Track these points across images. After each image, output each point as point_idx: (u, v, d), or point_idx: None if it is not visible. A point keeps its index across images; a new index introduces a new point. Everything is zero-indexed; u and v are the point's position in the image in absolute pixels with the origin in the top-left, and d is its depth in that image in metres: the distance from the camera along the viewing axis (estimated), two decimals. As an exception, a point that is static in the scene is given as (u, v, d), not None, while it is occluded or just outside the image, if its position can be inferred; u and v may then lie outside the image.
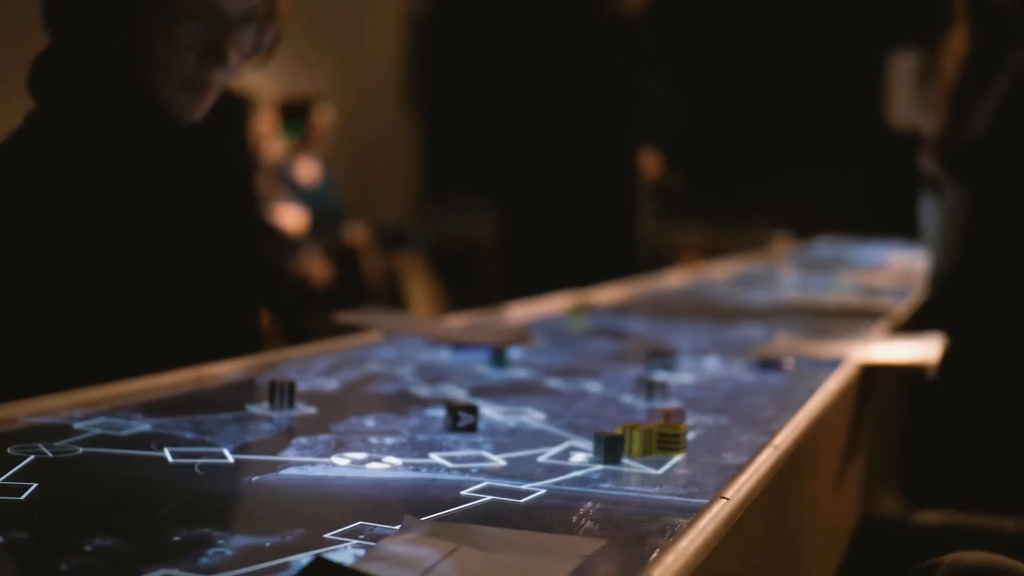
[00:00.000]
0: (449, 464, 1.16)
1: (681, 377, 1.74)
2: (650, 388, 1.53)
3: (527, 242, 5.17)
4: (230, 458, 1.14)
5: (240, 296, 1.76)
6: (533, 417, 1.40)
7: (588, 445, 1.26)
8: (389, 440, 1.25)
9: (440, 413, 1.38)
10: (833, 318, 2.67)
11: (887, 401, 2.44)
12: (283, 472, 1.10)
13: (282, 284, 5.16)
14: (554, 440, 1.28)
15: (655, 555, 0.90)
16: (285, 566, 0.84)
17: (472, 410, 1.31)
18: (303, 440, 1.22)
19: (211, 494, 1.04)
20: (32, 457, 1.09)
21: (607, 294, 2.95)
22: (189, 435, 1.22)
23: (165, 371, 1.49)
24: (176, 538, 0.89)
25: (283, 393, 1.36)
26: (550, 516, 1.01)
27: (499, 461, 1.18)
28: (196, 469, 1.10)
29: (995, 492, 2.67)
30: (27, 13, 1.65)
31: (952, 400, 2.58)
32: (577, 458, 1.21)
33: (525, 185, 5.48)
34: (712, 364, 1.89)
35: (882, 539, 1.80)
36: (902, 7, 6.62)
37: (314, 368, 1.65)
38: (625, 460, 1.20)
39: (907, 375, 2.23)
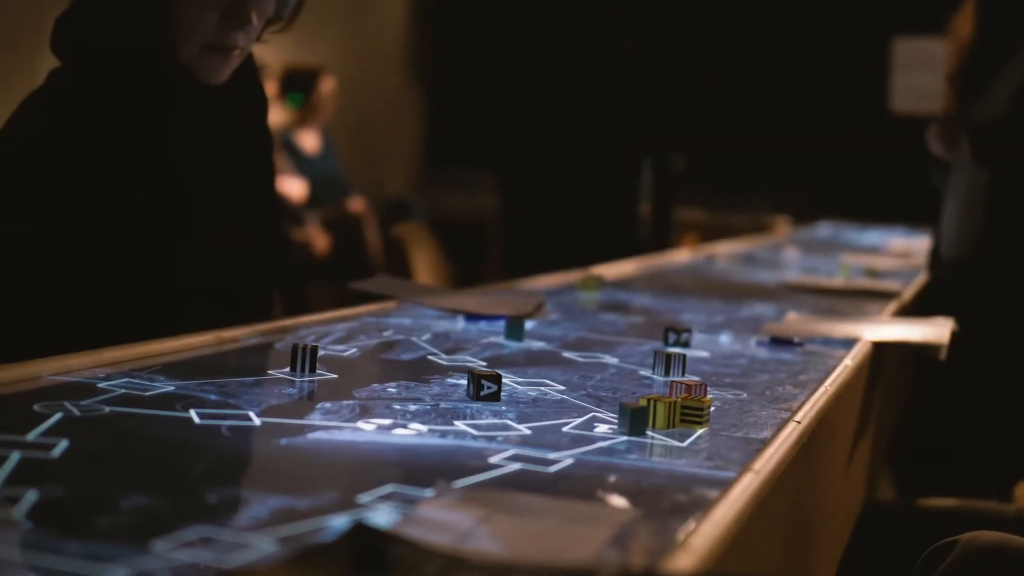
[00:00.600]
0: (475, 432, 1.16)
1: (697, 352, 1.74)
2: (668, 361, 1.53)
3: (529, 217, 5.15)
4: (256, 420, 1.14)
5: (256, 264, 1.76)
6: (553, 388, 1.40)
7: (610, 416, 1.26)
8: (413, 407, 1.24)
9: (461, 382, 1.38)
10: (841, 298, 2.67)
11: (893, 384, 2.45)
12: (310, 435, 1.10)
13: (287, 254, 5.15)
14: (577, 410, 1.28)
15: (690, 526, 0.90)
16: (320, 528, 0.84)
17: (496, 379, 1.31)
18: (327, 405, 1.22)
19: (240, 455, 1.04)
20: (60, 415, 1.09)
21: (613, 270, 2.95)
22: (214, 397, 1.22)
23: (183, 334, 1.49)
24: (210, 497, 0.89)
25: (305, 358, 1.36)
26: (579, 485, 1.01)
27: (524, 430, 1.18)
28: (223, 430, 1.10)
29: (995, 478, 2.68)
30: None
31: (959, 384, 2.58)
32: (601, 429, 1.21)
33: (528, 160, 5.45)
34: (726, 340, 1.90)
35: (885, 522, 1.81)
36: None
37: (331, 335, 1.65)
38: (648, 432, 1.20)
39: (918, 355, 2.23)
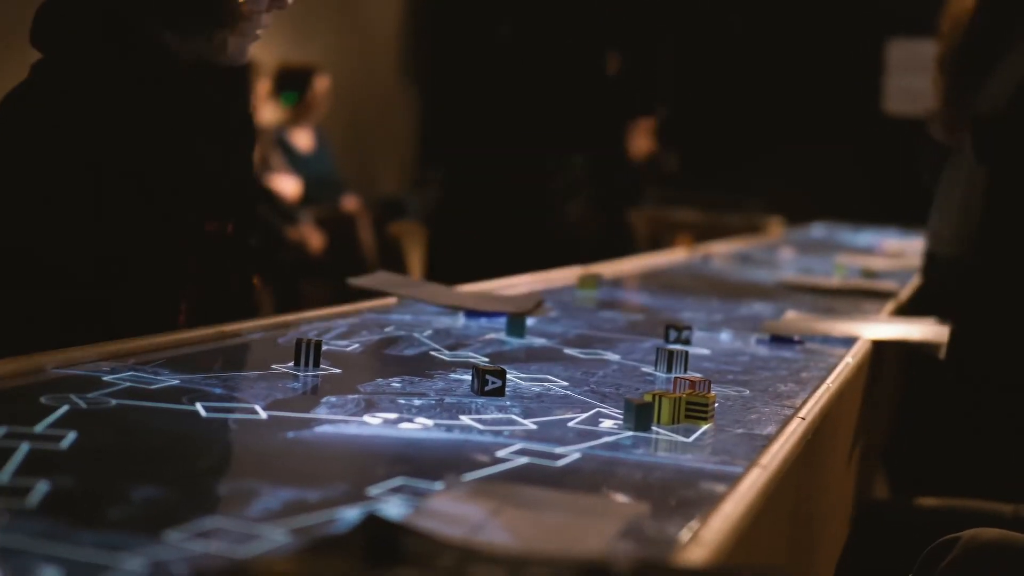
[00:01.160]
0: (480, 426, 1.16)
1: (698, 350, 1.74)
2: (671, 358, 1.53)
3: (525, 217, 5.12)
4: (263, 414, 1.14)
5: (234, 256, 1.74)
6: (557, 383, 1.40)
7: (615, 412, 1.26)
8: (418, 401, 1.25)
9: (465, 378, 1.38)
10: (838, 298, 2.67)
11: (889, 383, 2.45)
12: (317, 429, 1.10)
13: (280, 251, 5.15)
14: (581, 406, 1.29)
15: (699, 519, 0.90)
16: (332, 519, 0.84)
17: (500, 374, 1.31)
18: (332, 399, 1.22)
19: (249, 448, 1.04)
20: (66, 407, 1.09)
21: (609, 268, 2.95)
22: (219, 391, 1.22)
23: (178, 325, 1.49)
24: (221, 489, 0.89)
25: (309, 352, 1.36)
26: (587, 479, 1.01)
27: (529, 425, 1.18)
28: (230, 424, 1.10)
29: (991, 478, 2.68)
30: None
31: (956, 383, 2.58)
32: (606, 424, 1.21)
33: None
34: (726, 338, 1.90)
35: (882, 521, 1.81)
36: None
37: (333, 330, 1.65)
38: (653, 427, 1.20)
39: (917, 355, 2.24)
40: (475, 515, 0.86)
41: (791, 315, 2.22)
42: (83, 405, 1.10)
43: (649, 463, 1.07)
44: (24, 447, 0.94)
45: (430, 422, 1.16)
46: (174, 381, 1.24)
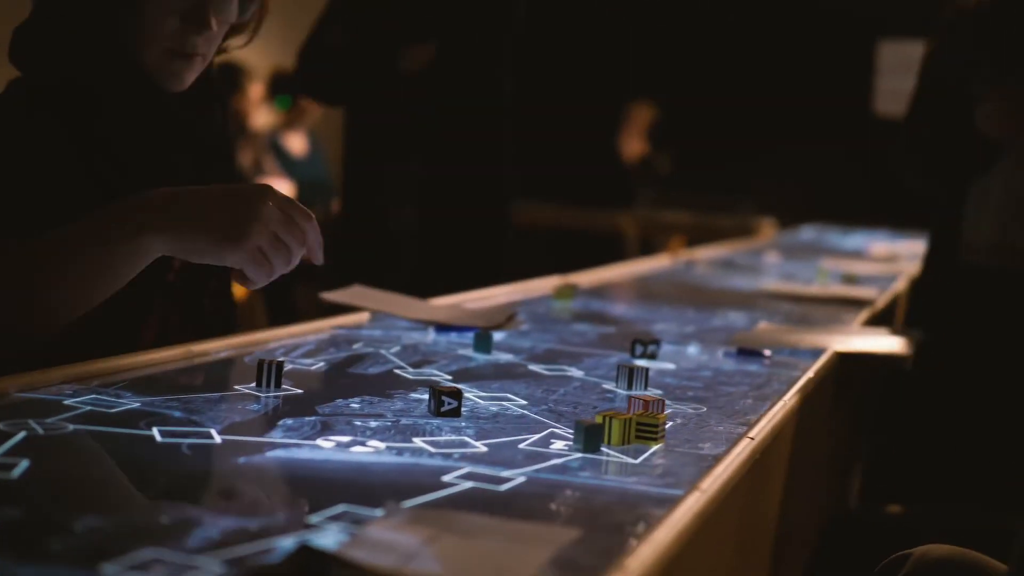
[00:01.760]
0: (431, 449, 1.18)
1: (662, 364, 1.77)
2: (631, 375, 1.55)
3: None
4: (217, 438, 1.16)
5: (208, 279, 1.76)
6: (515, 403, 1.43)
7: (568, 432, 1.28)
8: (374, 423, 1.27)
9: (424, 396, 1.40)
10: (815, 306, 2.70)
11: (859, 393, 2.47)
12: (269, 454, 1.12)
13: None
14: (535, 427, 1.31)
15: (630, 546, 0.92)
16: (270, 549, 0.87)
17: (456, 394, 1.33)
18: (289, 422, 1.25)
19: (198, 475, 1.07)
20: (23, 434, 1.11)
21: (592, 277, 2.98)
22: (178, 414, 1.24)
23: (152, 348, 1.51)
24: (163, 518, 0.91)
25: (270, 373, 1.38)
26: (529, 504, 1.03)
27: (480, 447, 1.20)
28: (184, 449, 1.12)
29: (961, 485, 2.69)
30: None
31: (930, 392, 2.60)
32: (557, 445, 1.23)
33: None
34: (693, 352, 1.92)
35: (851, 531, 1.84)
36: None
37: (301, 348, 1.67)
38: (604, 448, 1.23)
39: (883, 366, 2.26)
40: (409, 544, 0.89)
41: (763, 326, 2.24)
42: (40, 431, 1.13)
43: (593, 486, 1.10)
44: (-25, 477, 0.97)
45: (382, 445, 1.18)
46: (135, 404, 1.26)
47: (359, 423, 1.26)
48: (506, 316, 2.02)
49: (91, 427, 1.17)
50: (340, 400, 1.36)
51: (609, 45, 8.11)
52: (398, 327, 1.91)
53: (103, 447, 1.11)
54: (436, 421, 1.30)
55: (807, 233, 5.67)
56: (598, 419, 1.24)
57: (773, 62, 8.10)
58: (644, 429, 1.26)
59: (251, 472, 1.07)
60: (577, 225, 7.18)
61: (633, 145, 7.46)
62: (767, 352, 1.90)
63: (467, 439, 1.23)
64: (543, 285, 2.59)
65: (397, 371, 1.57)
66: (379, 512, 0.96)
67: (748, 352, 1.90)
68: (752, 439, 1.30)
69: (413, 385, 1.48)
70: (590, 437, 1.21)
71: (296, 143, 6.08)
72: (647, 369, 1.57)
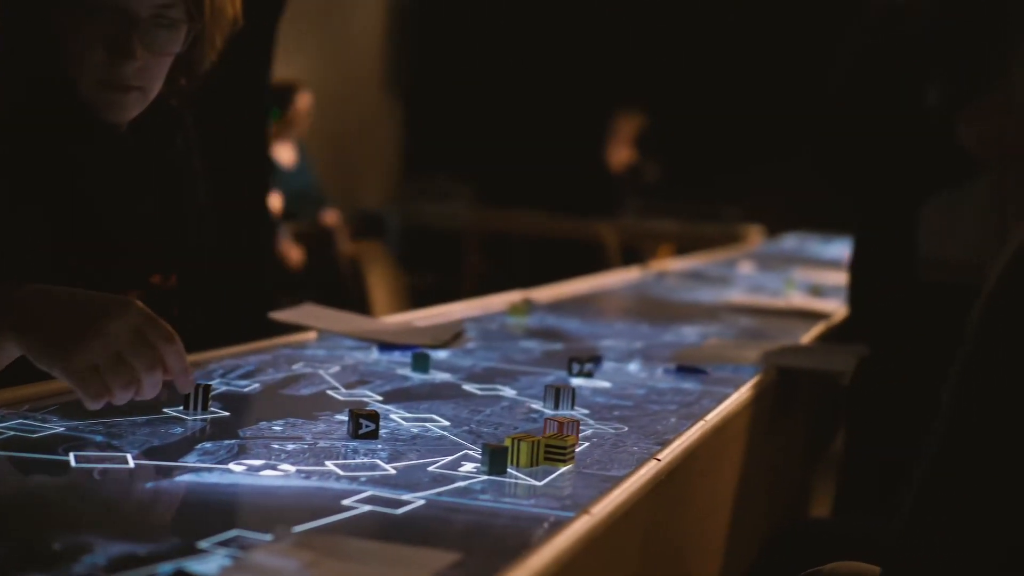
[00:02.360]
0: (340, 472, 1.22)
1: (599, 383, 1.80)
2: (557, 395, 1.59)
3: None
4: (131, 463, 1.20)
5: (193, 302, 1.79)
6: (438, 424, 1.46)
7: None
8: (291, 446, 1.31)
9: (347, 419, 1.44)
10: (775, 319, 2.73)
11: (809, 406, 2.49)
12: (177, 479, 1.16)
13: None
14: (451, 449, 1.34)
15: (505, 570, 0.96)
16: (152, 575, 0.90)
17: (374, 417, 1.37)
18: (207, 445, 1.28)
19: (103, 500, 1.10)
20: (-60, 460, 1.15)
21: (556, 291, 3.01)
22: (99, 439, 1.28)
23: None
24: (56, 546, 0.95)
25: (198, 396, 1.42)
26: (423, 527, 1.07)
27: (390, 470, 1.24)
28: (95, 475, 1.16)
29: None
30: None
31: (882, 407, 2.63)
32: (467, 468, 1.27)
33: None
34: (634, 369, 1.96)
35: (787, 545, 1.87)
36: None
37: (240, 368, 1.71)
38: (511, 470, 1.26)
39: (822, 382, 2.29)
40: (290, 568, 0.92)
41: (711, 342, 2.27)
42: (-43, 457, 1.17)
43: (487, 509, 1.13)
44: None
45: (292, 469, 1.22)
46: (59, 429, 1.30)
47: (276, 446, 1.30)
48: (453, 334, 2.05)
49: (10, 453, 1.20)
50: (264, 423, 1.40)
51: (597, 53, 8.14)
52: (343, 346, 1.95)
53: (18, 473, 1.15)
54: (353, 444, 1.34)
55: (789, 242, 5.70)
56: (507, 442, 1.28)
57: (764, 69, 8.13)
58: (553, 451, 1.30)
59: (155, 498, 1.11)
60: (559, 234, 7.19)
61: (621, 153, 7.50)
62: (708, 369, 1.93)
63: (379, 462, 1.27)
64: (501, 301, 2.63)
65: (330, 392, 1.61)
66: (268, 537, 1.00)
67: (689, 369, 1.94)
68: (659, 460, 1.34)
69: (341, 407, 1.52)
70: (495, 460, 1.25)
71: (284, 154, 6.12)
72: (573, 389, 1.61)
